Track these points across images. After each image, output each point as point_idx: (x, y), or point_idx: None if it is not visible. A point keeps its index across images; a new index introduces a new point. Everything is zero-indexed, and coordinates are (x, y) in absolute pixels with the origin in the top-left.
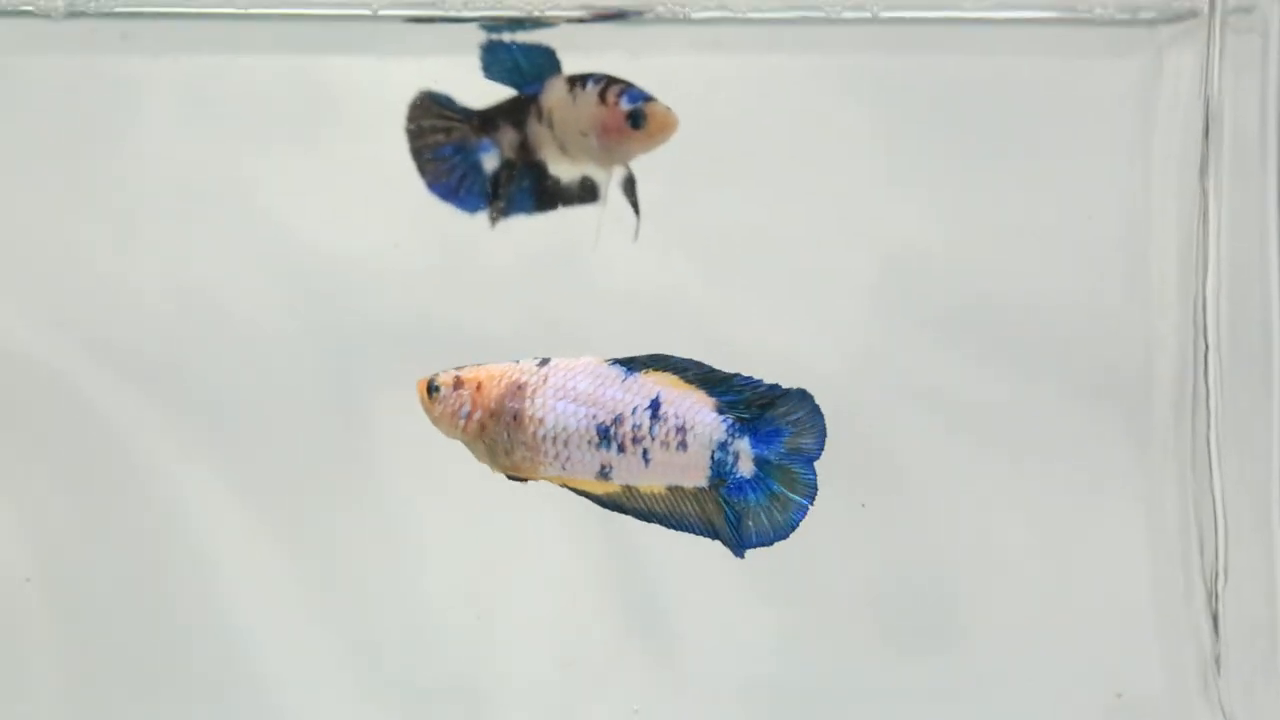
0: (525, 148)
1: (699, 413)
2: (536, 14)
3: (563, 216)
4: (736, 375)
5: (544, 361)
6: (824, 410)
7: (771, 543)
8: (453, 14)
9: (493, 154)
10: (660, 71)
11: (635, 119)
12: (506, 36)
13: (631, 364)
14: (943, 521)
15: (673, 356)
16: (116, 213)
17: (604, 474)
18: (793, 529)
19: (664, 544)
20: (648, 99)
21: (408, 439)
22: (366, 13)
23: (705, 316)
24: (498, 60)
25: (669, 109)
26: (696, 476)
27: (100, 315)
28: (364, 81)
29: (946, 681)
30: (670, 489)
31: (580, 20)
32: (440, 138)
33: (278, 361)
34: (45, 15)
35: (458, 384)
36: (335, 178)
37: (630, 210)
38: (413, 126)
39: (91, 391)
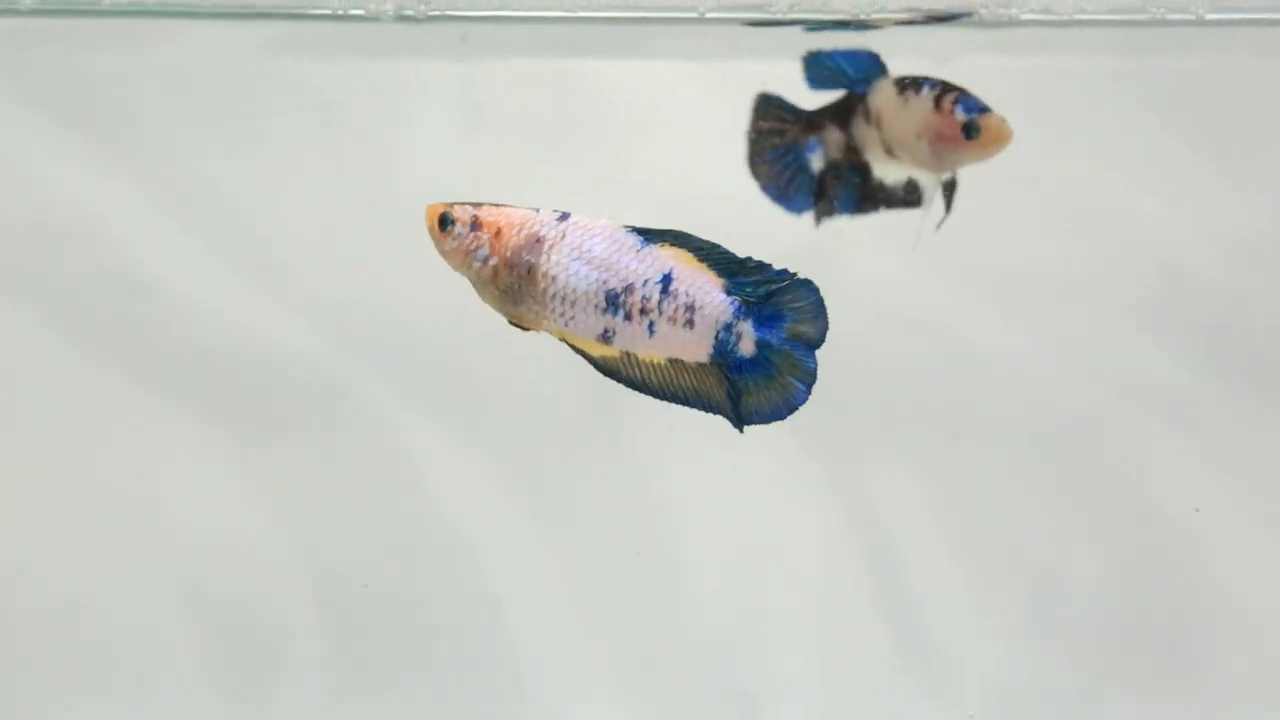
0: (851, 148)
1: (708, 293)
2: (862, 16)
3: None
4: (749, 258)
5: (564, 216)
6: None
7: (769, 421)
8: (779, 16)
9: (819, 154)
10: (969, 75)
11: (970, 130)
12: (827, 45)
13: (648, 235)
14: (1191, 552)
15: (692, 235)
16: (403, 219)
17: (606, 337)
18: (790, 411)
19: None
20: (984, 109)
21: (668, 439)
22: (693, 15)
23: (963, 325)
24: (821, 69)
25: (1004, 120)
26: (698, 353)
27: (381, 324)
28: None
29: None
30: (670, 361)
31: (908, 23)
32: (775, 140)
33: (546, 363)
34: (375, 19)
35: (475, 224)
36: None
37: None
38: (753, 131)
39: (370, 397)
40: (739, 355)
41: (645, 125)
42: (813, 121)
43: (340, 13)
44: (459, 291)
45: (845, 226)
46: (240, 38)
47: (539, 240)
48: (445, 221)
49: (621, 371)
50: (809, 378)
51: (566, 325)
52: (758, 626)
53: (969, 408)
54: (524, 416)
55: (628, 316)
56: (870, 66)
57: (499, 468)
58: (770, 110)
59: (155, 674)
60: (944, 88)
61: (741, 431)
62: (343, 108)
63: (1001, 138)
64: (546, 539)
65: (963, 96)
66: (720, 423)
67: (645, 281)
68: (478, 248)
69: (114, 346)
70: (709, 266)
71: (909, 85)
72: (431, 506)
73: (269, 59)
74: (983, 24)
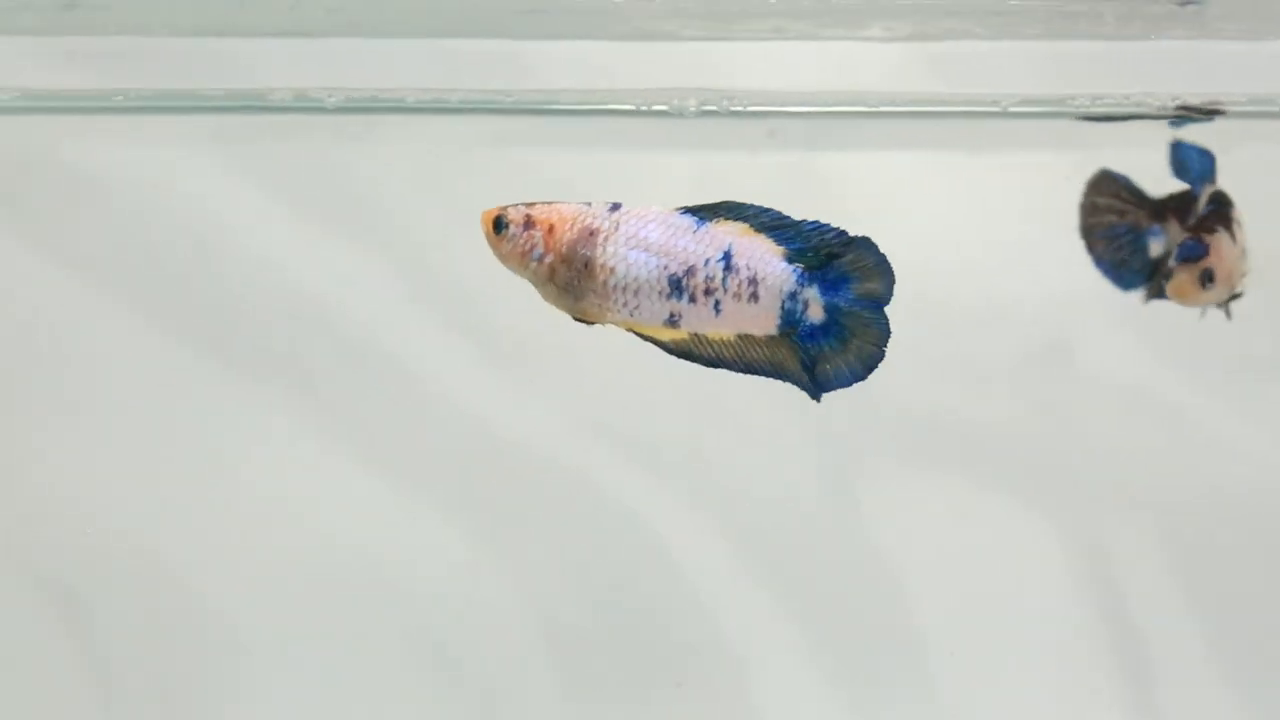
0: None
1: (769, 262)
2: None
3: None
4: (805, 221)
5: (615, 206)
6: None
7: (848, 385)
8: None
9: (1161, 241)
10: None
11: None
12: (1182, 134)
13: (701, 213)
14: None
15: (746, 204)
16: None
17: (672, 322)
18: (869, 372)
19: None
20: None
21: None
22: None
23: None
24: (1181, 159)
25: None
26: (766, 325)
27: (615, 401)
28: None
29: None
30: (739, 336)
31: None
32: (1114, 218)
33: (776, 423)
34: (678, 114)
35: (528, 223)
36: None
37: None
38: (1087, 202)
39: (610, 475)
40: (809, 322)
41: (900, 213)
42: (1158, 209)
43: (644, 108)
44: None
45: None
46: (495, 130)
47: (593, 233)
48: (500, 224)
49: (694, 353)
50: (883, 336)
51: (631, 315)
52: (993, 685)
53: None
54: (754, 478)
55: (692, 299)
56: (1207, 165)
57: (733, 530)
58: (1110, 188)
59: None
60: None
61: (819, 401)
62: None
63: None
64: (782, 599)
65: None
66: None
67: (706, 261)
68: (533, 247)
69: (349, 428)
70: (767, 235)
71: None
72: (671, 571)
73: (510, 150)
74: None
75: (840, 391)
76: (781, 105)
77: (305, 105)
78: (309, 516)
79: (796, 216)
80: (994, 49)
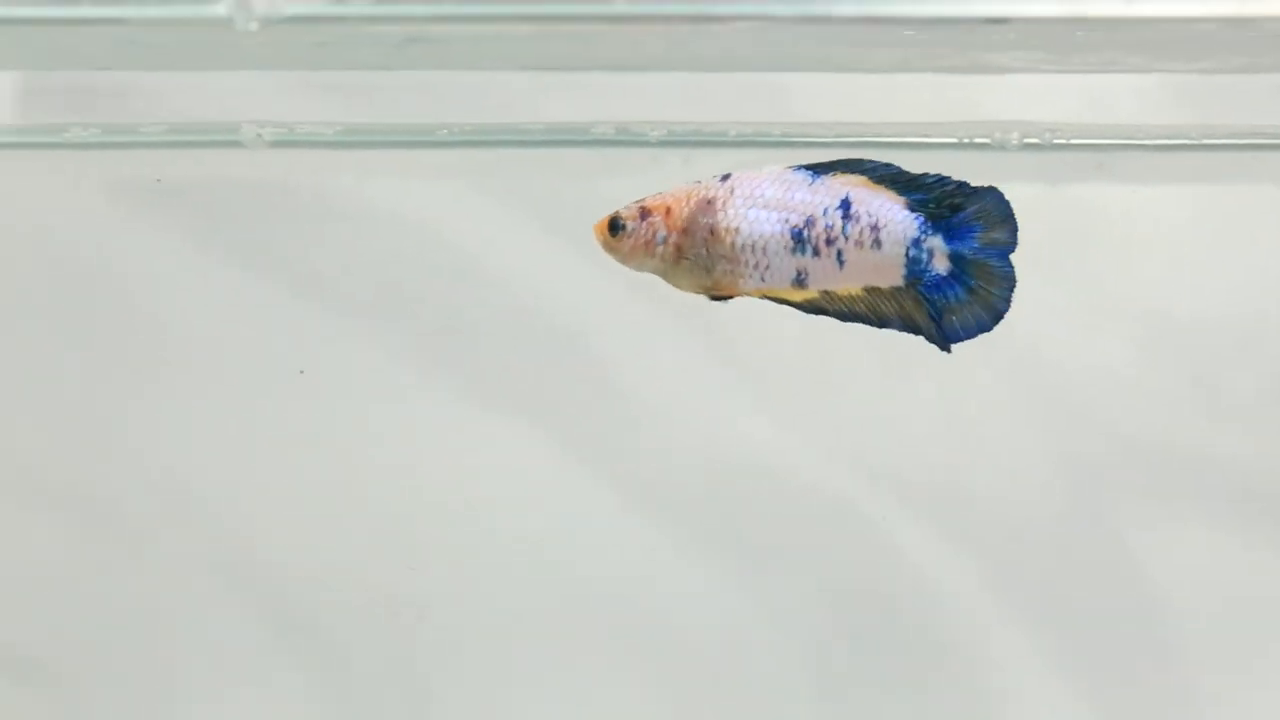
0: None
1: (890, 210)
2: None
3: None
4: (925, 174)
5: (725, 176)
6: None
7: (976, 334)
8: None
9: None
10: None
11: None
12: None
13: (817, 168)
14: None
15: (864, 160)
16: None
17: (800, 280)
18: (996, 321)
19: None
20: None
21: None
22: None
23: None
24: None
25: None
26: (892, 275)
27: (878, 435)
28: None
29: None
30: (867, 290)
31: None
32: None
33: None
34: (1000, 147)
35: (645, 214)
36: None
37: None
38: None
39: (865, 510)
40: (934, 273)
41: (1131, 247)
42: None
43: (966, 140)
44: (961, 403)
45: None
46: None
47: (710, 202)
48: (616, 226)
49: (828, 308)
50: (1009, 284)
51: (763, 278)
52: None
53: None
54: (1009, 511)
55: (815, 252)
56: None
57: (989, 562)
58: None
59: None
60: None
61: (949, 351)
62: None
63: None
64: (1039, 630)
65: None
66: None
67: (825, 210)
68: (654, 232)
69: (595, 457)
70: (887, 187)
71: None
72: (928, 601)
73: None
74: None
75: (1093, 423)
76: (1109, 139)
77: (627, 139)
78: (559, 548)
79: (1137, 257)
80: None
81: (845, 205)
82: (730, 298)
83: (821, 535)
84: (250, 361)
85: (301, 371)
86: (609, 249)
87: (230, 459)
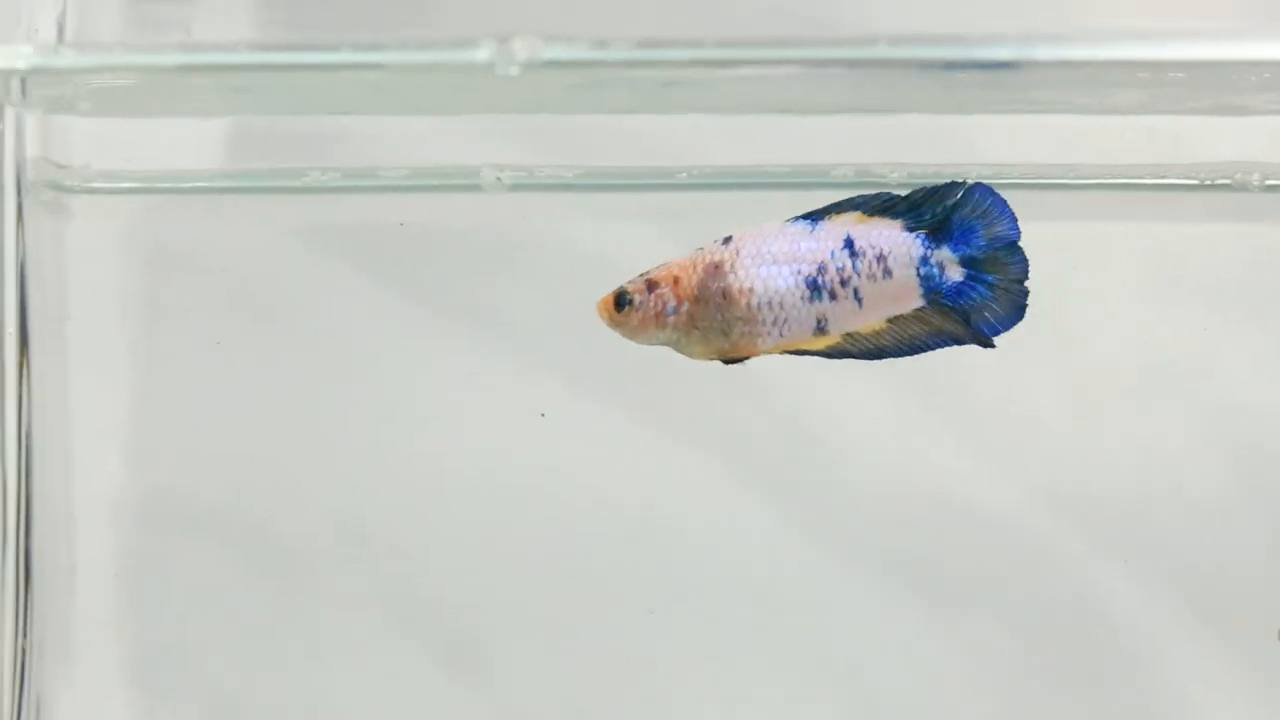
0: None
1: (891, 236)
2: None
3: None
4: (914, 191)
5: (727, 239)
6: None
7: (1012, 325)
8: None
9: None
10: None
11: None
12: None
13: (813, 215)
14: None
15: (852, 197)
16: (1086, 378)
17: (820, 328)
18: (1023, 310)
19: None
20: None
21: None
22: None
23: None
24: None
25: None
26: (910, 298)
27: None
28: None
29: None
30: (890, 322)
31: None
32: None
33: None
34: (1241, 189)
35: (651, 286)
36: None
37: None
38: None
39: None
40: (950, 282)
41: None
42: None
43: (1207, 182)
44: (1157, 441)
45: None
46: (1055, 203)
47: (717, 266)
48: (622, 302)
49: (853, 350)
50: (1024, 270)
51: (781, 333)
52: None
53: None
54: (1204, 551)
55: (833, 295)
56: None
57: (1185, 604)
58: None
59: None
60: None
61: (993, 347)
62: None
63: None
64: (1238, 674)
65: None
66: None
67: (832, 253)
68: (664, 304)
69: (787, 492)
70: (882, 216)
71: None
72: (1117, 647)
73: (1067, 224)
74: None
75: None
76: None
77: (867, 180)
78: (751, 583)
79: None
80: None
81: (849, 244)
82: (745, 359)
83: (1015, 571)
84: (445, 404)
85: (543, 414)
86: (615, 325)
87: (407, 497)
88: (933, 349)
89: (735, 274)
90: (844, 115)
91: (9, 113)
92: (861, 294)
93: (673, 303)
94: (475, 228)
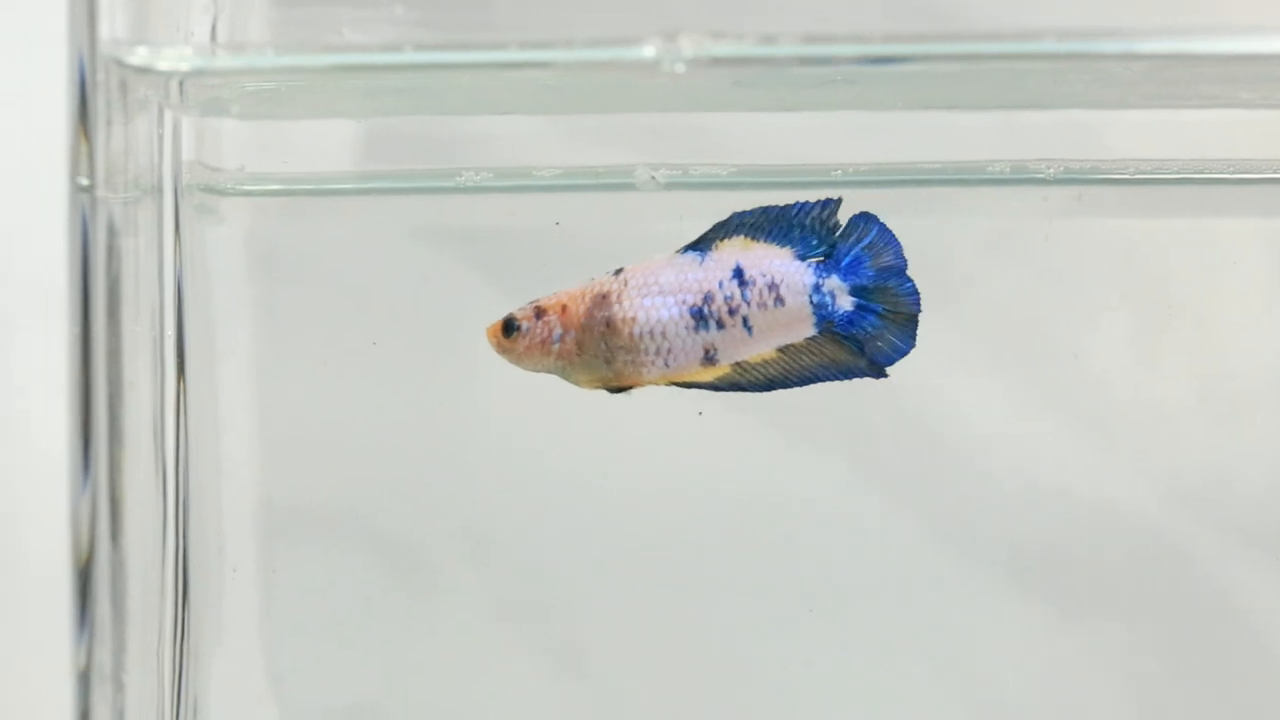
0: None
1: (782, 265)
2: None
3: None
4: (791, 206)
5: (619, 270)
6: None
7: (903, 355)
8: None
9: None
10: None
11: None
12: None
13: (701, 243)
14: None
15: (736, 214)
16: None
17: (709, 358)
18: (914, 338)
19: None
20: None
21: None
22: None
23: None
24: None
25: None
26: (803, 327)
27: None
28: None
29: None
30: (781, 351)
31: None
32: None
33: None
34: None
35: (540, 313)
36: None
37: None
38: None
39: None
40: (842, 312)
41: None
42: None
43: None
44: None
45: None
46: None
47: (604, 296)
48: (510, 327)
49: (743, 382)
50: (915, 300)
51: (666, 364)
52: None
53: None
54: None
55: (720, 324)
56: None
57: None
58: None
59: None
60: None
61: (886, 377)
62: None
63: None
64: None
65: None
66: None
67: (720, 283)
68: (551, 330)
69: (917, 494)
70: (768, 242)
71: None
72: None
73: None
74: None
75: None
76: None
77: (1022, 177)
78: (878, 588)
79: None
80: None
81: (739, 273)
82: (630, 389)
83: (1148, 571)
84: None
85: (700, 413)
86: (502, 351)
87: (535, 504)
88: (825, 380)
89: (620, 304)
90: (996, 111)
91: (167, 115)
92: (751, 323)
93: (559, 330)
94: (629, 227)
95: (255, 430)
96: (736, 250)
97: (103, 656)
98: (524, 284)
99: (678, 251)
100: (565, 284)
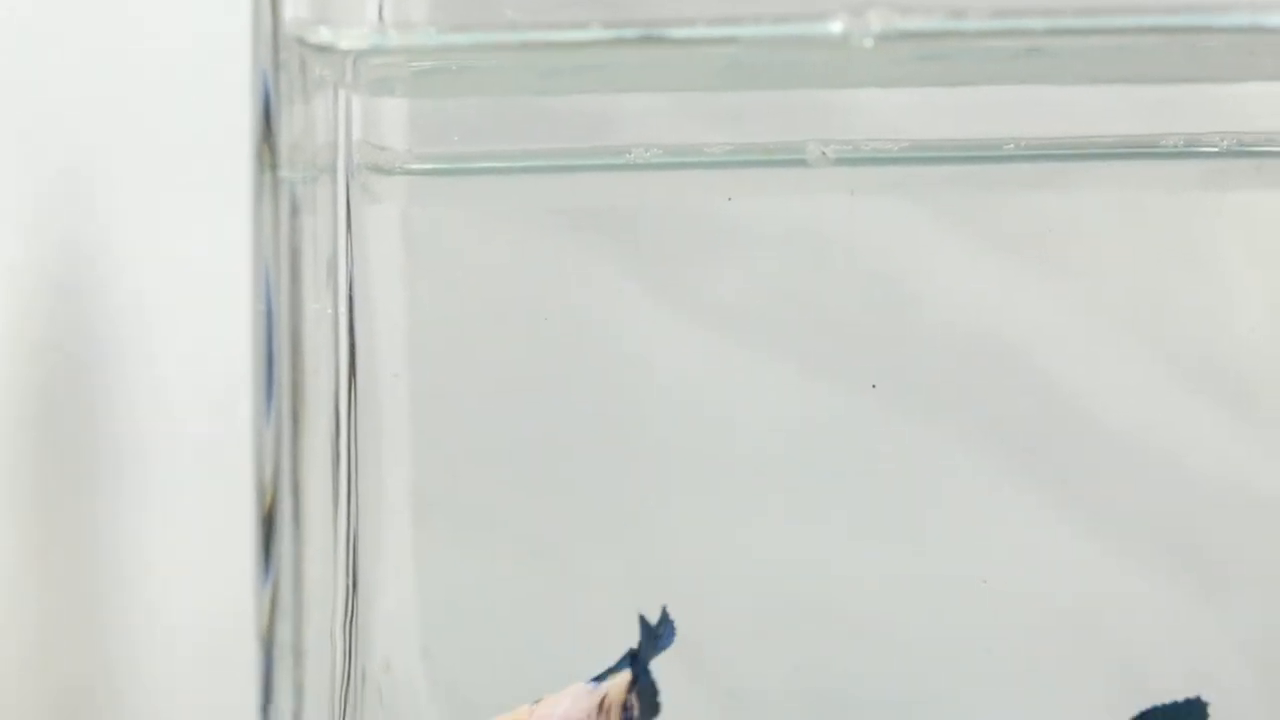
0: None
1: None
2: None
3: None
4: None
5: (537, 700)
6: None
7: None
8: None
9: None
10: None
11: None
12: None
13: (601, 676)
14: None
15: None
16: None
17: None
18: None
19: None
20: None
21: None
22: None
23: None
24: None
25: None
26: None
27: None
28: None
29: None
30: None
31: None
32: None
33: None
34: None
35: None
36: None
37: None
38: None
39: None
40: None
41: None
42: None
43: None
44: None
45: None
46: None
47: None
48: None
49: None
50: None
51: None
52: None
53: None
54: None
55: None
56: None
57: None
58: None
59: None
60: None
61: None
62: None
63: None
64: None
65: None
66: None
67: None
68: None
69: (1055, 481)
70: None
71: None
72: None
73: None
74: None
75: None
76: None
77: (1195, 150)
78: (1017, 572)
79: None
80: None
81: (627, 711)
82: None
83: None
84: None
85: (874, 386)
86: None
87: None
88: None
89: None
90: (1168, 85)
91: (340, 94)
92: None
93: None
94: (801, 202)
95: (413, 419)
96: (619, 684)
97: (284, 632)
98: (693, 263)
99: (584, 682)
100: (735, 261)
